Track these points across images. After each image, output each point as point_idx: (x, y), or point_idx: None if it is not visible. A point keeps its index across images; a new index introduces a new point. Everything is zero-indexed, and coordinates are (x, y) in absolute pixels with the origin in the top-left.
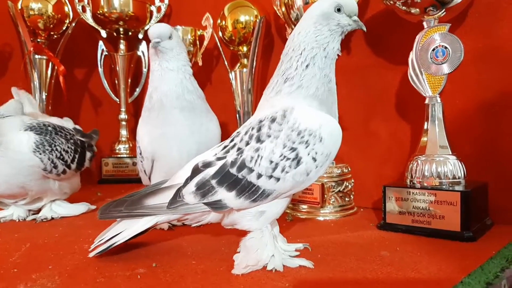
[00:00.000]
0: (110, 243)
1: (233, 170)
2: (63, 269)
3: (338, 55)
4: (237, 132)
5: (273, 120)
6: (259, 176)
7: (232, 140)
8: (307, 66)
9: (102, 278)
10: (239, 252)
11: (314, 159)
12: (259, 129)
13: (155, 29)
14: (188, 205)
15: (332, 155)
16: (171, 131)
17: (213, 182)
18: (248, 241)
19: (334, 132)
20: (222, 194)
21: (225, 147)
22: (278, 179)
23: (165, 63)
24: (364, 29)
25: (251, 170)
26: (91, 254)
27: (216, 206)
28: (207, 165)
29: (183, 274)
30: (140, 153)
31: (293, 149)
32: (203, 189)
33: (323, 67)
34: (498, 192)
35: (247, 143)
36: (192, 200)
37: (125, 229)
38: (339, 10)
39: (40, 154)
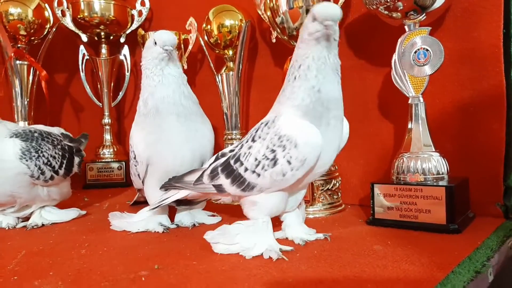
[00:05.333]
0: (161, 202)
1: (232, 162)
2: (65, 275)
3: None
4: (250, 132)
5: (266, 124)
6: (246, 169)
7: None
8: (295, 78)
9: (106, 282)
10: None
11: (289, 162)
12: (256, 131)
13: (168, 36)
14: (204, 185)
15: (308, 161)
16: (167, 136)
17: (219, 169)
18: (231, 225)
19: (310, 140)
20: (222, 180)
21: (240, 142)
22: (259, 175)
23: (168, 69)
24: (331, 32)
25: (241, 164)
26: (152, 208)
27: (219, 189)
28: (223, 155)
29: (187, 275)
30: (135, 158)
31: (272, 151)
32: (212, 174)
33: (309, 78)
34: (477, 185)
35: (247, 141)
36: (207, 181)
37: (171, 196)
38: (315, 19)
39: (27, 160)
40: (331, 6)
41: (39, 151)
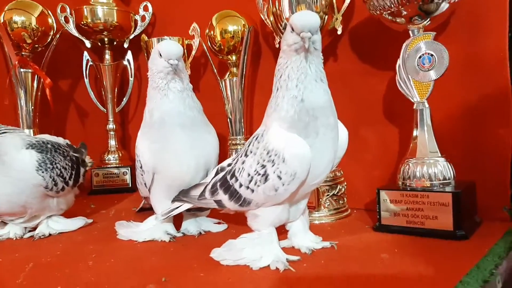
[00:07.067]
0: (169, 214)
1: (228, 177)
2: None
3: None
4: (245, 145)
5: (256, 138)
6: (241, 185)
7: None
8: (277, 89)
9: None
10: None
11: (279, 177)
12: (249, 145)
13: (173, 48)
14: (207, 200)
15: (299, 175)
16: (172, 146)
17: (218, 184)
18: (237, 240)
19: (298, 154)
20: (221, 196)
21: (237, 156)
22: (252, 191)
23: (173, 84)
24: (306, 46)
25: (236, 179)
26: (162, 218)
27: (219, 204)
28: (222, 169)
29: None
30: (141, 167)
31: (263, 166)
32: (212, 189)
33: (289, 88)
34: (484, 190)
35: (241, 155)
36: (208, 196)
37: (178, 207)
38: (292, 29)
39: (43, 172)
40: (307, 16)
41: (53, 163)
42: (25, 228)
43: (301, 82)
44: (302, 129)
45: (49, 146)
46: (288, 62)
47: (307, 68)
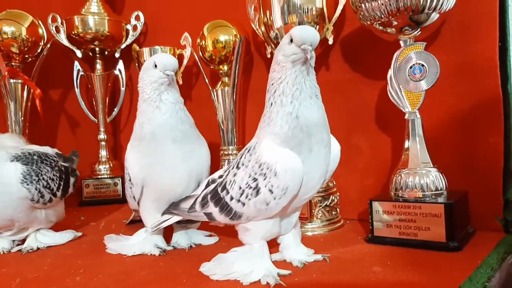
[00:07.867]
0: (158, 226)
1: (219, 190)
2: None
3: (308, 89)
4: (236, 157)
5: (248, 150)
6: (232, 198)
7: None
8: (271, 104)
9: None
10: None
11: (271, 191)
12: (240, 157)
13: (170, 60)
14: (197, 212)
15: (290, 189)
16: (163, 160)
17: (209, 197)
18: (227, 254)
19: (290, 168)
20: (212, 208)
21: (228, 167)
22: (243, 204)
23: (166, 95)
24: (308, 57)
25: (227, 192)
26: (151, 230)
27: (209, 217)
28: (213, 181)
29: None
30: (130, 180)
31: (254, 179)
32: (203, 201)
33: (284, 104)
34: (476, 199)
35: (233, 167)
36: (198, 208)
37: (168, 219)
38: (291, 41)
39: (28, 184)
40: (310, 30)
41: (39, 175)
42: (13, 241)
43: (296, 98)
44: (296, 146)
45: (35, 157)
46: (282, 77)
47: (302, 84)
